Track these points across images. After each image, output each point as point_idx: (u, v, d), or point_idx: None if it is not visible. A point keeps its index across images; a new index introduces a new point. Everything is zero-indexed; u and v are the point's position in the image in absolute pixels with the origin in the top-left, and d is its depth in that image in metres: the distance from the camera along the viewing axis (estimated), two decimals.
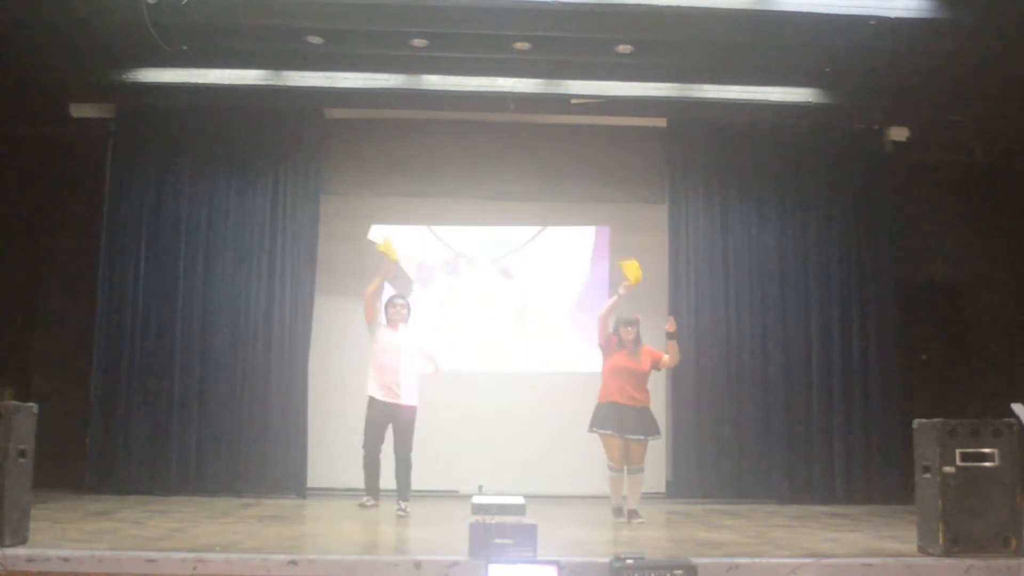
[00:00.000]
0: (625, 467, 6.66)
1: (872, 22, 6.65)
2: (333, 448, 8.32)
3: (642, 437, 6.64)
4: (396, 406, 6.89)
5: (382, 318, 7.12)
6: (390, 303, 7.12)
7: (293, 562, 4.51)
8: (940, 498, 4.83)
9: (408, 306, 7.16)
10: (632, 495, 6.72)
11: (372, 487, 7.01)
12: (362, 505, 6.96)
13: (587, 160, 8.98)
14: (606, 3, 6.68)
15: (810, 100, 8.28)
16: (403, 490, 6.92)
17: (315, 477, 8.31)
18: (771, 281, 8.68)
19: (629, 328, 6.79)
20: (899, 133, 8.90)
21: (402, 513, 6.77)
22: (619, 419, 6.62)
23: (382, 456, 7.02)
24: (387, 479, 7.03)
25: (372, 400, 6.94)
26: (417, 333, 7.24)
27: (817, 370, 8.55)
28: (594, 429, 6.69)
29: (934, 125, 8.75)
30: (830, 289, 8.68)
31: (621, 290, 6.83)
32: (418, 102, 8.51)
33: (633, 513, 6.67)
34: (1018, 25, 6.62)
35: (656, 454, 8.50)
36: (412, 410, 6.97)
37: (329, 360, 8.53)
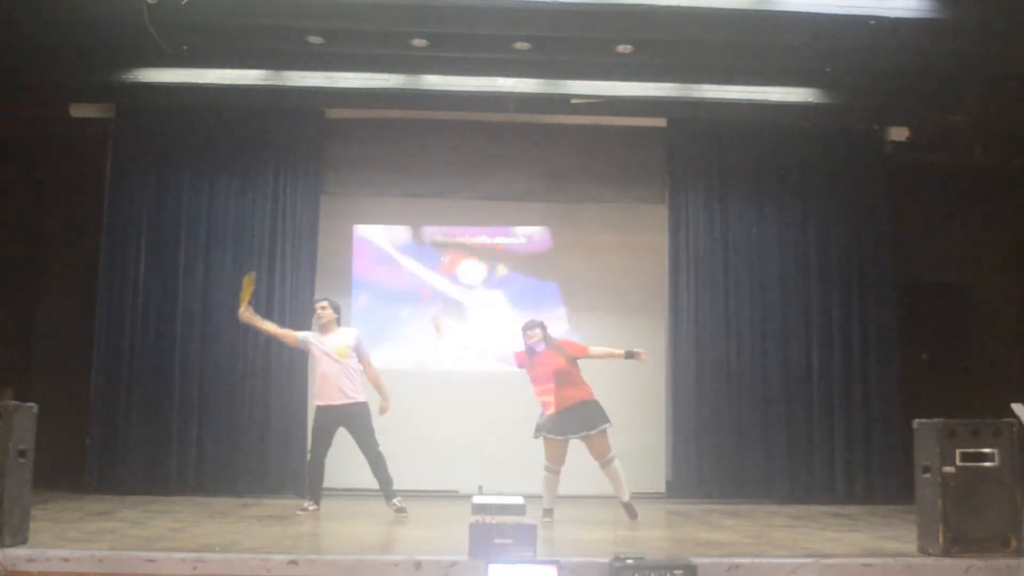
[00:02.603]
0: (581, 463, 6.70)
1: (872, 22, 6.64)
2: (333, 448, 8.28)
3: (585, 433, 6.52)
4: (341, 408, 6.82)
5: (308, 331, 7.14)
6: (322, 306, 7.03)
7: (293, 562, 4.51)
8: (940, 498, 4.84)
9: (333, 307, 7.03)
10: (617, 488, 6.65)
11: (315, 492, 6.91)
12: (305, 510, 6.82)
13: (587, 160, 8.96)
14: (606, 3, 6.68)
15: (810, 100, 8.26)
16: (387, 487, 6.84)
17: None
18: (771, 281, 8.68)
19: (530, 332, 6.73)
20: (899, 133, 8.90)
21: (403, 512, 6.75)
22: (559, 423, 6.56)
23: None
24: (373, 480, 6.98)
25: (318, 407, 6.90)
26: (349, 333, 7.08)
27: (817, 370, 8.55)
28: (537, 435, 6.69)
29: (934, 125, 8.74)
30: (830, 289, 8.68)
31: None
32: (418, 102, 8.51)
33: (629, 506, 6.64)
34: (1018, 25, 6.62)
35: (656, 454, 8.53)
36: (361, 406, 6.88)
37: None
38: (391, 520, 6.63)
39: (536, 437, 6.71)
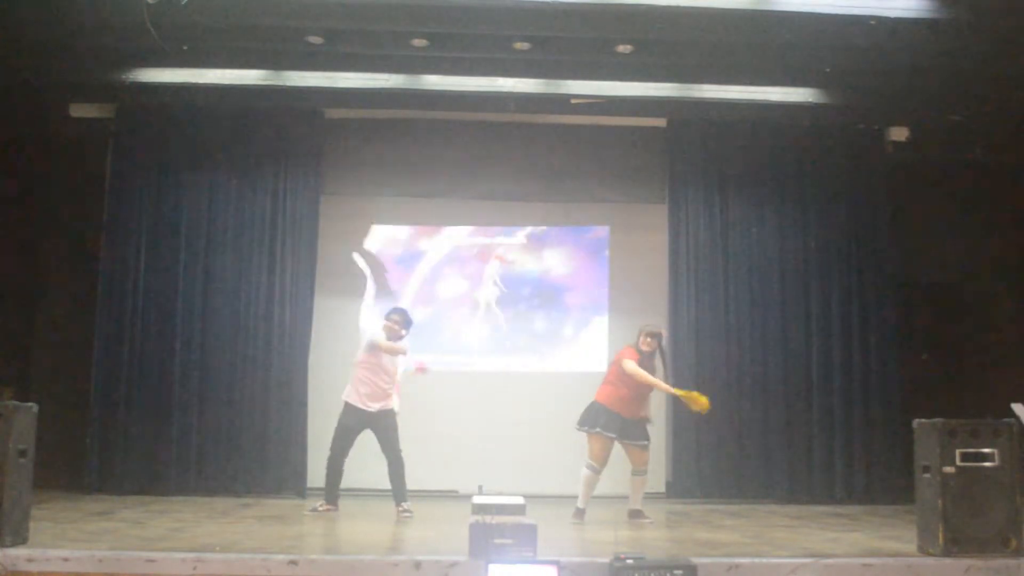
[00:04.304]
0: (598, 469, 6.68)
1: (872, 22, 6.65)
2: None
3: (647, 443, 6.72)
4: (376, 413, 6.85)
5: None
6: (387, 318, 7.02)
7: (293, 562, 4.51)
8: (940, 498, 4.84)
9: (403, 322, 7.03)
10: (635, 496, 6.75)
11: (332, 492, 6.92)
12: (315, 510, 6.84)
13: (587, 160, 8.96)
14: (606, 3, 6.68)
15: (810, 100, 8.27)
16: (402, 491, 6.89)
17: (315, 477, 8.25)
18: (771, 281, 8.68)
19: (650, 339, 6.72)
20: (899, 133, 8.90)
21: (407, 515, 6.76)
22: (622, 426, 6.64)
23: (372, 459, 6.97)
24: (382, 480, 7.01)
25: (351, 407, 6.87)
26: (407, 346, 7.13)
27: (817, 370, 8.55)
28: (596, 430, 6.61)
29: (934, 125, 8.74)
30: (830, 289, 8.68)
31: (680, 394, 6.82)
32: (418, 102, 8.51)
33: (639, 513, 6.69)
34: (1018, 25, 6.62)
35: (656, 454, 8.49)
36: (392, 413, 6.96)
37: (329, 360, 8.51)
38: (391, 520, 6.64)
39: (589, 431, 6.64)
